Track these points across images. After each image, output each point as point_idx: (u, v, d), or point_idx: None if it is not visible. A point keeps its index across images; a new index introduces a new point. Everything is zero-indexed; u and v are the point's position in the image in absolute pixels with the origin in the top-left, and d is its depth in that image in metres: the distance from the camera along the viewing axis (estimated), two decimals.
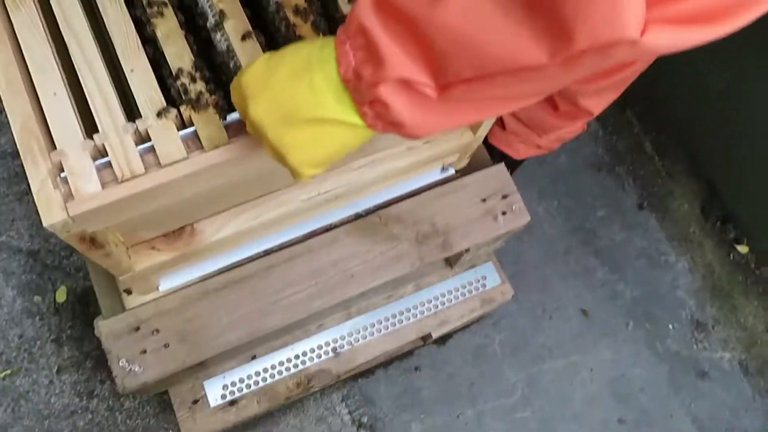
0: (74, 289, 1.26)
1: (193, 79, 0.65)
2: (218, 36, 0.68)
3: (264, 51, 0.67)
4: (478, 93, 0.46)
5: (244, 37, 0.66)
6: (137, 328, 0.90)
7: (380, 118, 0.49)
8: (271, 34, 0.70)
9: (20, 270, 1.26)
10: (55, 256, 1.27)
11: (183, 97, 0.64)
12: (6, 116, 1.34)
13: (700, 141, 1.53)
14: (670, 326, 1.47)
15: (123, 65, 0.65)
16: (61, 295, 1.26)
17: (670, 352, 1.45)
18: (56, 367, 1.24)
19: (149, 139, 0.63)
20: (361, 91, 0.48)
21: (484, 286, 1.23)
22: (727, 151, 1.48)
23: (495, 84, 0.45)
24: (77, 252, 1.26)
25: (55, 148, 0.61)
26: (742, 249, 1.53)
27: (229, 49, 0.67)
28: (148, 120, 0.63)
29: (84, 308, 1.26)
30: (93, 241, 0.66)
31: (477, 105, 0.49)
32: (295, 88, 0.50)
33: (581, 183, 1.52)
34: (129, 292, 0.92)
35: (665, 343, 1.45)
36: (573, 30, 0.38)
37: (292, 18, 0.69)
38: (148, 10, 0.67)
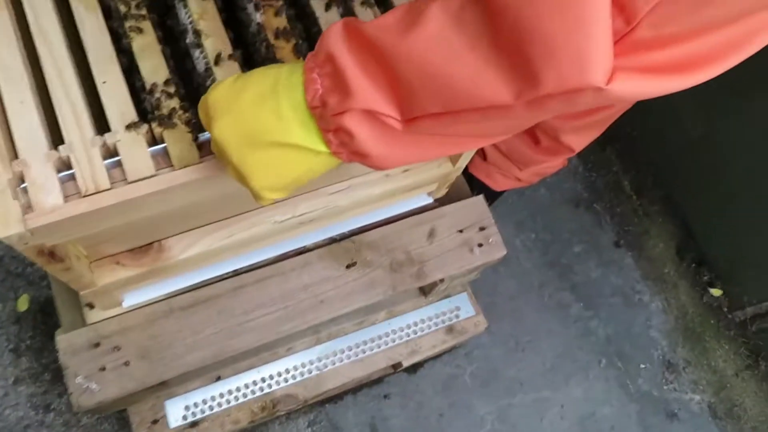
0: (37, 298, 1.23)
1: (168, 95, 0.63)
2: (197, 54, 0.66)
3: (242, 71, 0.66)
4: (443, 128, 0.46)
5: (221, 58, 0.65)
6: (97, 344, 0.87)
7: (344, 146, 0.48)
8: (251, 56, 0.69)
9: None
10: (20, 263, 1.24)
11: (155, 112, 0.63)
12: None
13: (678, 183, 1.55)
14: (642, 366, 1.47)
15: (96, 76, 0.63)
16: (22, 304, 1.22)
17: (640, 391, 1.44)
18: (12, 378, 1.20)
19: (117, 154, 0.61)
20: (326, 118, 0.47)
21: (457, 316, 1.22)
22: (703, 194, 1.50)
23: (461, 120, 0.44)
24: None
25: (17, 157, 0.59)
26: (716, 292, 1.54)
27: (207, 69, 0.65)
28: (118, 134, 0.61)
29: (46, 318, 1.23)
30: (52, 254, 0.64)
31: (443, 140, 0.49)
32: (261, 111, 0.49)
33: (559, 218, 1.52)
34: (91, 306, 0.89)
35: (636, 382, 1.45)
36: (539, 73, 0.38)
37: (272, 40, 0.68)
38: (125, 23, 0.65)
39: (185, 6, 0.67)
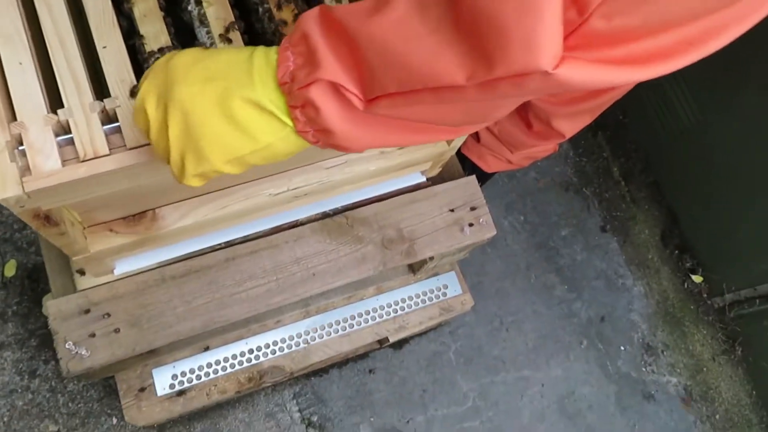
0: (24, 264, 1.22)
1: None
2: (198, 25, 0.66)
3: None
4: (401, 110, 0.48)
5: (227, 30, 0.65)
6: (87, 311, 0.87)
7: (311, 123, 0.49)
8: (255, 31, 0.69)
9: None
10: (7, 228, 1.23)
11: None
12: None
13: (666, 171, 1.57)
14: (622, 348, 1.50)
15: (96, 41, 0.63)
16: (9, 270, 1.21)
17: (620, 373, 1.48)
18: None
19: (117, 120, 0.61)
20: (294, 93, 0.48)
21: (445, 294, 1.23)
22: (690, 183, 1.52)
23: (416, 101, 0.46)
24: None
25: (15, 119, 0.59)
26: (697, 279, 1.57)
27: (210, 39, 0.65)
28: (118, 100, 0.61)
29: (33, 285, 1.22)
30: (47, 218, 0.64)
31: (405, 124, 0.50)
32: (234, 70, 0.50)
33: (548, 201, 1.54)
34: (82, 272, 0.89)
35: (616, 363, 1.48)
36: (492, 57, 0.40)
37: (275, 11, 0.68)
38: None
39: None
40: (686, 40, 0.40)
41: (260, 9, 0.69)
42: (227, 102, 0.50)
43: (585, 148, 1.60)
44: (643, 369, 1.50)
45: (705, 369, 1.53)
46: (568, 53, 0.39)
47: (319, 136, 0.50)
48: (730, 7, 0.40)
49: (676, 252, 1.58)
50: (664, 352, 1.52)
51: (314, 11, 0.49)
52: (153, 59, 0.62)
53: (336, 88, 0.47)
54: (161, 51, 0.64)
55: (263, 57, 0.50)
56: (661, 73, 0.41)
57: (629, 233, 1.58)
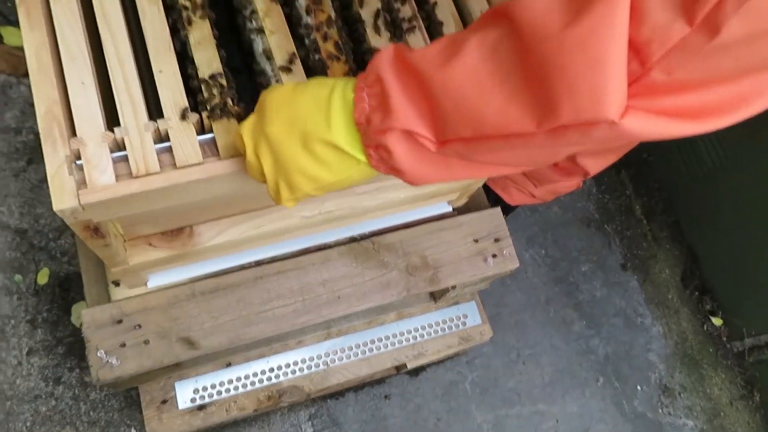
0: (57, 272, 1.26)
1: (220, 88, 0.67)
2: (260, 49, 0.70)
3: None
4: (472, 153, 0.50)
5: (290, 61, 0.69)
6: (120, 321, 0.90)
7: (383, 162, 0.53)
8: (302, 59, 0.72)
9: (5, 246, 1.26)
10: (43, 237, 1.27)
11: (207, 104, 0.66)
12: (12, 92, 1.33)
13: (688, 211, 1.58)
14: (639, 387, 1.49)
15: (153, 65, 0.66)
16: (42, 277, 1.25)
17: (635, 412, 1.47)
18: (27, 349, 1.23)
19: (168, 140, 0.65)
20: (369, 135, 0.52)
21: (464, 323, 1.25)
22: (712, 225, 1.53)
23: (488, 146, 0.49)
24: (65, 235, 1.26)
25: (75, 135, 0.63)
26: (716, 321, 1.56)
27: (272, 73, 0.69)
28: (170, 121, 0.65)
29: (64, 293, 1.26)
30: (96, 230, 0.67)
31: (472, 165, 0.53)
32: (315, 115, 0.54)
33: (570, 236, 1.55)
34: (117, 284, 0.92)
35: (632, 403, 1.47)
36: (559, 105, 0.42)
37: (322, 46, 0.71)
38: (183, 14, 0.69)
39: (250, 3, 0.71)
40: (739, 95, 0.42)
41: (307, 41, 0.73)
42: (309, 144, 0.54)
43: (608, 185, 1.61)
44: (660, 410, 1.49)
45: (722, 413, 1.51)
46: (632, 102, 0.41)
47: (390, 171, 0.54)
48: None
49: (696, 293, 1.58)
50: (681, 394, 1.51)
51: (389, 52, 0.52)
52: (209, 84, 0.66)
53: (409, 134, 0.50)
54: (212, 77, 0.68)
55: (341, 97, 0.54)
56: (717, 128, 0.43)
57: (649, 272, 1.58)
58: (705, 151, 1.46)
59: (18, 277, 1.25)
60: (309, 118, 0.54)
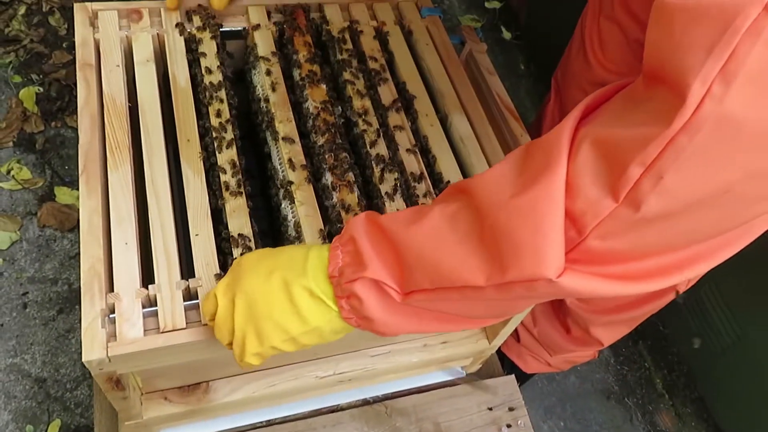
0: (68, 424, 1.25)
1: (247, 249, 0.73)
2: (290, 218, 0.78)
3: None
4: (433, 303, 0.56)
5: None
6: None
7: (354, 311, 0.58)
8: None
9: (23, 395, 1.27)
10: (61, 386, 1.28)
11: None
12: (55, 245, 1.42)
13: (711, 387, 1.53)
14: None
15: (191, 228, 0.73)
16: (53, 429, 1.24)
17: None
18: None
19: (197, 297, 0.69)
20: (341, 286, 0.57)
21: None
22: (737, 402, 1.48)
23: (446, 297, 0.54)
24: (82, 386, 1.27)
25: (112, 290, 0.68)
26: None
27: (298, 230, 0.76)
28: (201, 280, 0.70)
29: None
30: (118, 382, 0.70)
31: (436, 315, 0.58)
32: (293, 264, 0.60)
33: (589, 408, 1.51)
34: None
35: None
36: (506, 264, 0.49)
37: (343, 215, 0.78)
38: (225, 191, 0.77)
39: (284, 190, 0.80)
40: (673, 264, 0.48)
41: (330, 208, 0.80)
42: (287, 287, 0.59)
43: (626, 356, 1.59)
44: None
45: None
46: (570, 265, 0.47)
47: (361, 322, 0.59)
48: (715, 238, 0.47)
49: None
50: None
51: (361, 217, 0.60)
52: (240, 246, 0.73)
53: (378, 284, 0.56)
54: (242, 236, 0.74)
55: (317, 254, 0.60)
56: (650, 290, 0.48)
57: None
58: (720, 324, 1.46)
59: (29, 427, 1.24)
60: (288, 267, 0.60)
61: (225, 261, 0.73)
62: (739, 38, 0.36)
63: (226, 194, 0.77)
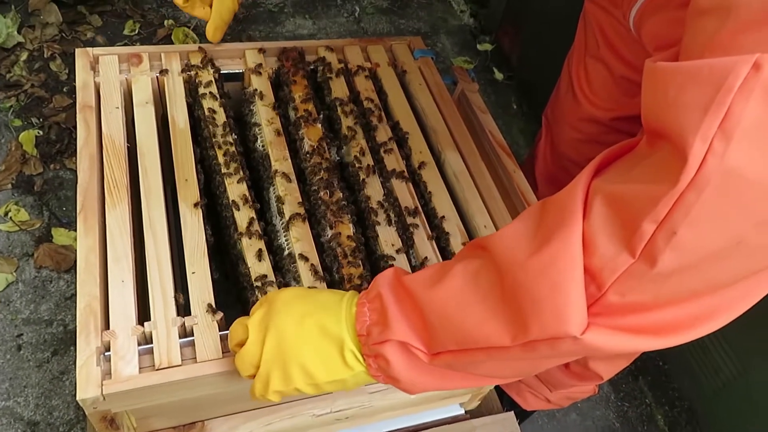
0: None
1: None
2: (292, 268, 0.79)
3: None
4: (460, 364, 0.56)
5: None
6: None
7: (381, 371, 0.59)
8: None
9: None
10: (53, 430, 1.26)
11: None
12: (51, 286, 1.42)
13: (713, 425, 1.51)
14: None
15: (187, 266, 0.74)
16: None
17: None
18: None
19: (192, 335, 0.69)
20: (369, 346, 0.58)
21: None
22: None
23: (473, 358, 0.54)
24: (75, 430, 1.25)
25: (108, 328, 0.68)
26: None
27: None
28: (196, 318, 0.70)
29: None
30: (112, 421, 0.69)
31: (463, 375, 0.58)
32: (326, 312, 0.61)
33: None
34: None
35: None
36: (528, 323, 0.49)
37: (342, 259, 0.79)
38: (238, 236, 0.78)
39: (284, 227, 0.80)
40: (694, 316, 0.47)
41: (324, 244, 0.80)
42: (319, 335, 0.60)
43: (626, 392, 1.58)
44: None
45: None
46: (593, 320, 0.47)
47: (388, 380, 0.59)
48: (734, 287, 0.47)
49: None
50: None
51: (388, 274, 0.60)
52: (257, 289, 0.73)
53: (405, 346, 0.57)
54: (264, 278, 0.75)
55: (349, 306, 0.61)
56: (675, 344, 0.48)
57: None
58: (720, 360, 1.45)
59: None
60: (322, 314, 0.60)
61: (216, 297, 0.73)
62: (732, 96, 0.37)
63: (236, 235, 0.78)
